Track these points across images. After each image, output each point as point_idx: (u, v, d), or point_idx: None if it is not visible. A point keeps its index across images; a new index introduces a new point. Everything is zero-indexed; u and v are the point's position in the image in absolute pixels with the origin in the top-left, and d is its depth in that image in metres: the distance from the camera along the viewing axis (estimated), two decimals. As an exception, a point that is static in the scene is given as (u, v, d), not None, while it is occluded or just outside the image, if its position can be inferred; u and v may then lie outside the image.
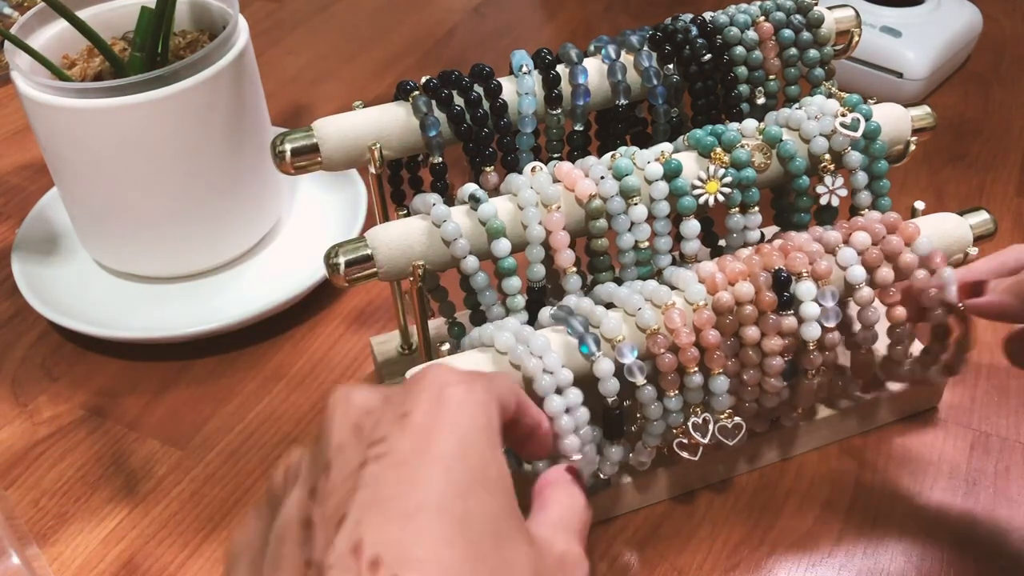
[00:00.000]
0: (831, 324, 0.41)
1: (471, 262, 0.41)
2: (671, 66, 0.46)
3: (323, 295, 0.58)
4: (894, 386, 0.47)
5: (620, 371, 0.39)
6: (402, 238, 0.41)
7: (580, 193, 0.41)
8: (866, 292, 0.42)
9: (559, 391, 0.38)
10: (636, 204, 0.41)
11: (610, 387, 0.39)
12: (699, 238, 0.43)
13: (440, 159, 0.44)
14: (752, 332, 0.40)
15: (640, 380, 0.39)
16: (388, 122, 0.43)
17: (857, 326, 0.43)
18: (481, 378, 0.28)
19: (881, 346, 0.45)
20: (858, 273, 0.41)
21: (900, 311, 0.42)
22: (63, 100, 0.50)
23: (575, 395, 0.38)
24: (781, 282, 0.40)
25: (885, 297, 0.42)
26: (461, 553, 0.23)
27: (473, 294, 0.43)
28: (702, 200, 0.42)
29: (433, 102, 0.43)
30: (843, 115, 0.44)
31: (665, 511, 0.46)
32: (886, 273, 0.42)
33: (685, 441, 0.42)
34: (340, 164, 0.43)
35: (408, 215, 0.46)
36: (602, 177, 0.41)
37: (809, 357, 0.42)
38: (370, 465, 0.25)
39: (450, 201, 0.43)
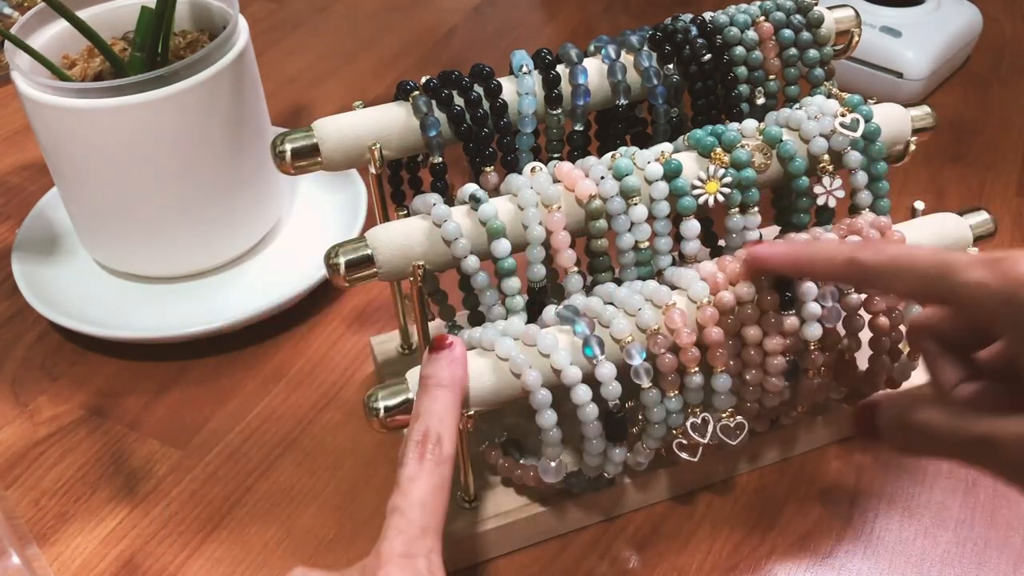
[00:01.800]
0: (831, 325, 0.41)
1: (472, 262, 0.41)
2: (671, 66, 0.46)
3: (323, 295, 0.58)
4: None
5: (621, 374, 0.39)
6: (402, 238, 0.41)
7: (580, 193, 0.41)
8: (853, 298, 0.42)
9: (554, 404, 0.39)
10: (636, 204, 0.41)
11: (612, 391, 0.39)
12: (699, 238, 0.43)
13: (440, 159, 0.44)
14: (754, 332, 0.41)
15: (646, 383, 0.39)
16: (388, 122, 0.43)
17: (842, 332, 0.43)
18: (432, 566, 0.33)
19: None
20: None
21: (883, 321, 0.42)
22: (63, 100, 0.50)
23: (583, 392, 0.39)
24: (782, 282, 0.40)
25: (870, 305, 0.42)
26: None
27: (472, 294, 0.43)
28: (702, 200, 0.42)
29: (433, 102, 0.43)
30: (843, 115, 0.44)
31: (665, 511, 0.46)
32: None
33: (684, 442, 0.42)
34: (340, 164, 0.43)
35: (408, 215, 0.46)
36: (602, 177, 0.41)
37: (811, 357, 0.42)
38: None
39: (450, 202, 0.43)
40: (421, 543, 0.33)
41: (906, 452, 0.40)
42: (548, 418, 0.39)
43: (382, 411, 0.38)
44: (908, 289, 0.35)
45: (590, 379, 0.39)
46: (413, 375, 0.39)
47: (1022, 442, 0.31)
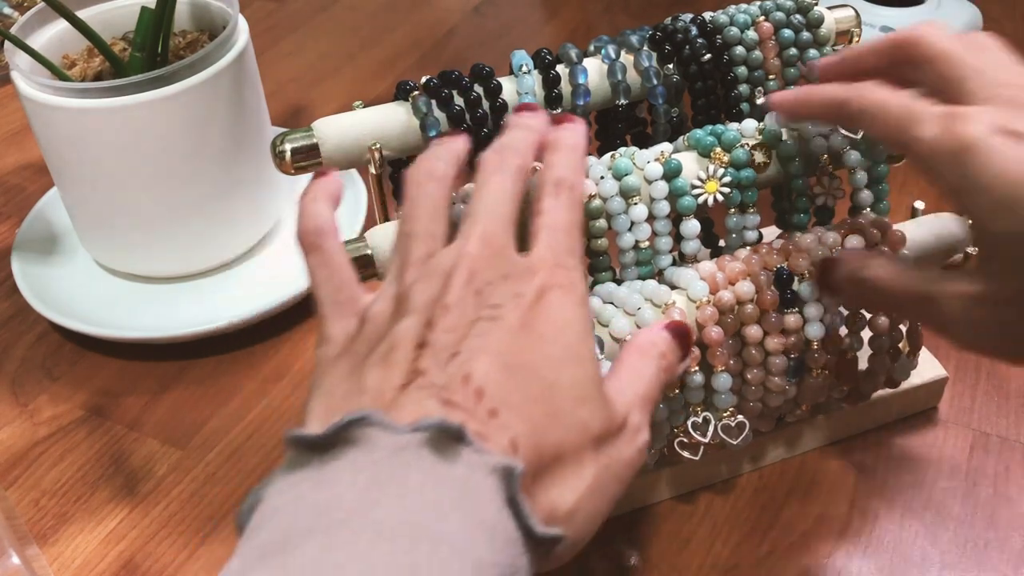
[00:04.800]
0: (834, 329, 0.41)
1: None
2: (671, 66, 0.46)
3: (323, 295, 0.58)
4: (878, 393, 0.47)
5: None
6: (402, 238, 0.41)
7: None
8: None
9: None
10: (636, 204, 0.41)
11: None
12: (698, 238, 0.43)
13: (440, 159, 0.44)
14: (754, 331, 0.41)
15: None
16: (388, 122, 0.43)
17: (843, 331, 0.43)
18: (581, 280, 0.33)
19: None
20: None
21: (883, 321, 0.42)
22: (63, 100, 0.50)
23: None
24: (783, 280, 0.40)
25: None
26: (544, 410, 0.29)
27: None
28: (701, 200, 0.42)
29: (433, 102, 0.43)
30: (843, 115, 0.44)
31: (665, 511, 0.46)
32: None
33: (686, 440, 0.42)
34: (340, 164, 0.43)
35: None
36: (602, 177, 0.41)
37: (814, 356, 0.42)
38: (483, 322, 0.30)
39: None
40: (570, 258, 0.33)
41: (860, 305, 0.42)
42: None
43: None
44: (880, 134, 0.36)
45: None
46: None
47: (959, 300, 0.33)
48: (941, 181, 0.33)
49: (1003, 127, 0.31)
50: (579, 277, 0.33)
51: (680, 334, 0.36)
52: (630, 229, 0.42)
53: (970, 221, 0.35)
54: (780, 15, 0.47)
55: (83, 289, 0.58)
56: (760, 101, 0.46)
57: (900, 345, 0.45)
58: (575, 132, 0.37)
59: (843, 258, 0.40)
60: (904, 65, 0.38)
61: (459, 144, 0.37)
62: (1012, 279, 0.32)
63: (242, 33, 0.55)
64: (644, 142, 0.47)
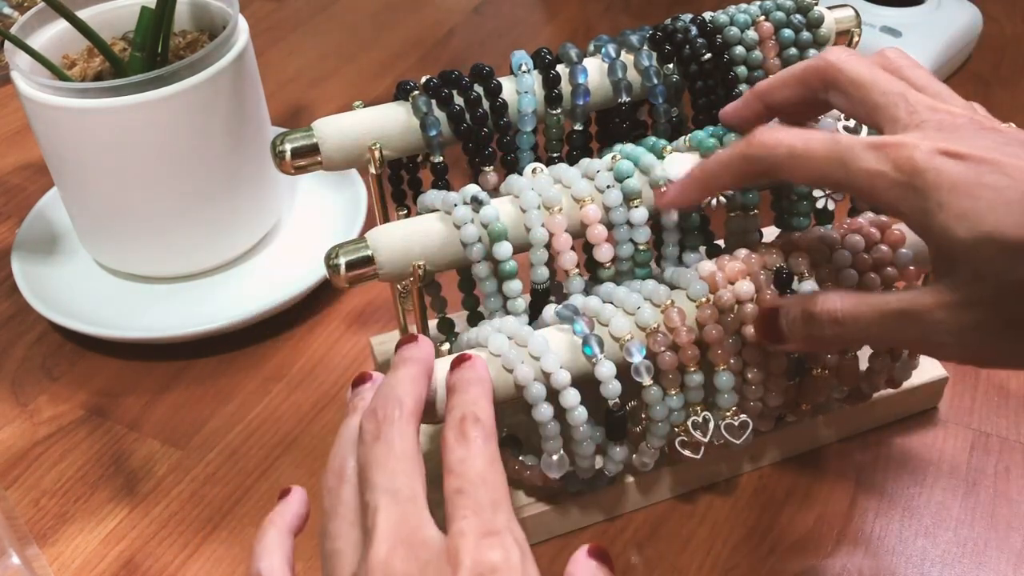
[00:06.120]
0: None
1: (484, 267, 0.41)
2: (671, 65, 0.46)
3: (323, 295, 0.58)
4: (878, 393, 0.47)
5: (622, 373, 0.39)
6: (403, 239, 0.41)
7: (578, 194, 0.41)
8: None
9: (550, 398, 0.39)
10: (637, 207, 0.41)
11: (612, 390, 0.39)
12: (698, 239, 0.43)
13: (441, 158, 0.44)
14: (754, 330, 0.40)
15: (647, 380, 0.39)
16: (388, 122, 0.43)
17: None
18: (512, 543, 0.29)
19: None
20: (850, 276, 0.41)
21: None
22: (63, 100, 0.50)
23: (572, 396, 0.38)
24: (782, 280, 0.40)
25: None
26: None
27: (472, 295, 0.43)
28: (704, 203, 0.42)
29: (433, 102, 0.43)
30: (846, 118, 0.44)
31: (665, 511, 0.46)
32: (872, 279, 0.42)
33: (687, 440, 0.42)
34: (340, 164, 0.43)
35: (408, 215, 0.46)
36: (609, 186, 0.41)
37: (814, 355, 0.42)
38: None
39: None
40: (498, 517, 0.29)
41: (816, 346, 0.40)
42: (544, 412, 0.39)
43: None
44: (807, 178, 0.37)
45: (590, 378, 0.39)
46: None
47: (943, 309, 0.33)
48: (891, 209, 0.34)
49: (942, 149, 0.33)
50: (510, 541, 0.29)
51: (602, 557, 0.31)
52: (630, 239, 0.42)
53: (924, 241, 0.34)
54: (780, 15, 0.47)
55: (83, 289, 0.58)
56: None
57: None
58: (474, 368, 0.36)
59: (786, 302, 0.38)
60: (820, 91, 0.38)
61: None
62: (980, 283, 0.32)
63: (242, 33, 0.55)
64: (645, 142, 0.47)
